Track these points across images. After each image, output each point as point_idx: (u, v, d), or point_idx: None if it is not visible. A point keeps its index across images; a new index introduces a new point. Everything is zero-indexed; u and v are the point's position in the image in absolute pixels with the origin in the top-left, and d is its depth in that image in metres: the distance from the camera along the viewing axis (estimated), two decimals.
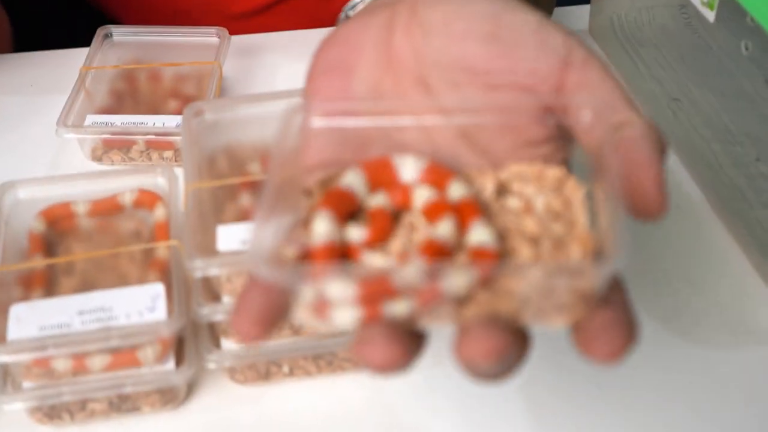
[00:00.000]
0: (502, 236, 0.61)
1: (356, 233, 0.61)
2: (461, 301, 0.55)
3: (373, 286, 0.54)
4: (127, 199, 0.99)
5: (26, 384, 0.84)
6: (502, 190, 0.66)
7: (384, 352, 0.54)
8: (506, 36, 0.67)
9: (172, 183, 0.98)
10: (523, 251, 0.60)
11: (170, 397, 0.88)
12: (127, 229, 0.98)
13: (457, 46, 0.68)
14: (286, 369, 0.83)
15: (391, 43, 0.70)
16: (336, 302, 0.55)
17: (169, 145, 1.11)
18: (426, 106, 0.67)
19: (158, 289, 0.85)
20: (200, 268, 0.83)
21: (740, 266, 1.00)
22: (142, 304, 0.84)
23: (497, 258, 0.58)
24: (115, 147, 1.13)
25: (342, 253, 0.60)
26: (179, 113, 1.11)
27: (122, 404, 0.88)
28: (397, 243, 0.62)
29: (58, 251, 0.96)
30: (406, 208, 0.64)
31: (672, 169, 1.11)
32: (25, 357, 0.82)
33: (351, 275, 0.54)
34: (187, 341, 0.87)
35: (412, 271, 0.53)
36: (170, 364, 0.87)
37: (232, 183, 0.83)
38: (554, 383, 0.89)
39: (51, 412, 0.88)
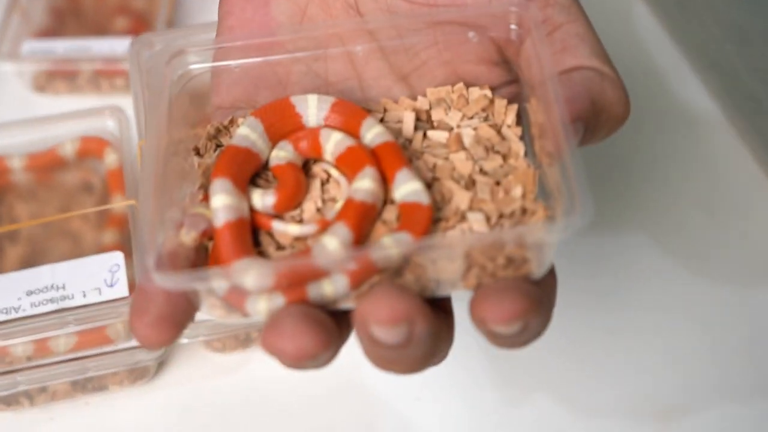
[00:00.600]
0: (431, 179, 0.60)
1: (262, 200, 0.59)
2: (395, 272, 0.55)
3: (295, 271, 0.53)
4: (69, 149, 0.96)
5: None
6: (422, 120, 0.64)
7: (295, 340, 0.52)
8: None
9: (123, 123, 0.95)
10: (458, 196, 0.59)
11: (140, 373, 0.86)
12: (73, 182, 0.97)
13: None
14: None
15: None
16: (253, 293, 0.55)
17: (121, 72, 1.07)
18: (353, 30, 0.64)
19: (117, 258, 0.81)
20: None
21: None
22: (99, 278, 0.80)
23: (430, 212, 0.57)
24: (59, 76, 1.07)
25: (249, 226, 0.58)
26: (129, 33, 1.08)
27: (87, 383, 0.86)
28: (311, 205, 0.60)
29: None
30: (316, 156, 0.63)
31: (683, 78, 1.04)
32: None
33: (265, 269, 0.53)
34: None
35: (336, 255, 0.54)
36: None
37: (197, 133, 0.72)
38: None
39: (8, 398, 0.85)
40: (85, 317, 0.79)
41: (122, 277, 0.81)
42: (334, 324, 0.54)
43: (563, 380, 0.83)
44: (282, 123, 0.62)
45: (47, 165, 0.95)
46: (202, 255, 0.59)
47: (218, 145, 0.63)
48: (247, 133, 0.60)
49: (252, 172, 0.60)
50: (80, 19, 1.12)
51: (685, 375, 0.83)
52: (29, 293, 0.81)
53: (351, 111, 0.62)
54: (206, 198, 0.59)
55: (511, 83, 0.65)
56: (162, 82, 0.60)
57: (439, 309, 0.57)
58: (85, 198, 0.94)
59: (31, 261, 0.89)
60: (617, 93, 0.61)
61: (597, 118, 0.60)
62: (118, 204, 0.89)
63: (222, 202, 0.57)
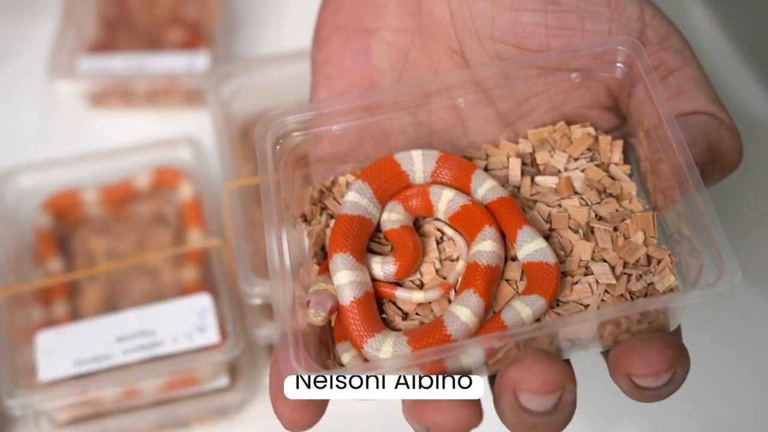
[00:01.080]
0: (548, 230, 0.60)
1: (382, 270, 0.59)
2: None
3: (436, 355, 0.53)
4: (143, 181, 0.96)
5: (63, 415, 0.83)
6: (527, 164, 0.64)
7: (452, 413, 0.52)
8: (570, 3, 0.61)
9: (197, 154, 0.94)
10: (579, 247, 0.58)
11: (222, 411, 0.86)
12: (147, 214, 0.96)
13: (507, 13, 0.62)
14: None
15: (421, 1, 0.65)
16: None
17: (177, 89, 1.05)
18: (459, 80, 0.63)
19: (204, 302, 0.82)
20: (259, 295, 0.72)
21: None
22: (188, 323, 0.82)
23: (558, 271, 0.56)
24: (115, 92, 1.06)
25: (374, 299, 0.58)
26: (184, 46, 1.07)
27: (171, 421, 0.86)
28: (429, 267, 0.60)
29: (72, 248, 0.94)
30: (427, 214, 0.62)
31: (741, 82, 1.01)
32: (63, 402, 0.81)
33: (408, 360, 0.53)
34: (242, 358, 0.85)
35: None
36: (223, 380, 0.85)
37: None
38: None
39: None
40: (179, 369, 0.80)
41: (212, 321, 0.82)
42: (475, 405, 0.54)
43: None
44: (389, 183, 0.61)
45: (121, 197, 0.95)
46: (327, 328, 0.59)
47: (323, 208, 0.63)
48: (357, 199, 0.60)
49: (368, 239, 0.60)
50: (132, 30, 1.11)
51: None
52: (120, 340, 0.82)
53: (459, 165, 0.61)
54: (323, 268, 0.59)
55: (620, 128, 0.64)
56: (267, 154, 0.59)
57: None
58: (160, 231, 0.94)
59: (111, 301, 0.89)
60: (733, 139, 0.60)
61: (713, 165, 0.59)
62: (200, 242, 0.88)
63: (346, 279, 0.57)
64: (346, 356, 0.56)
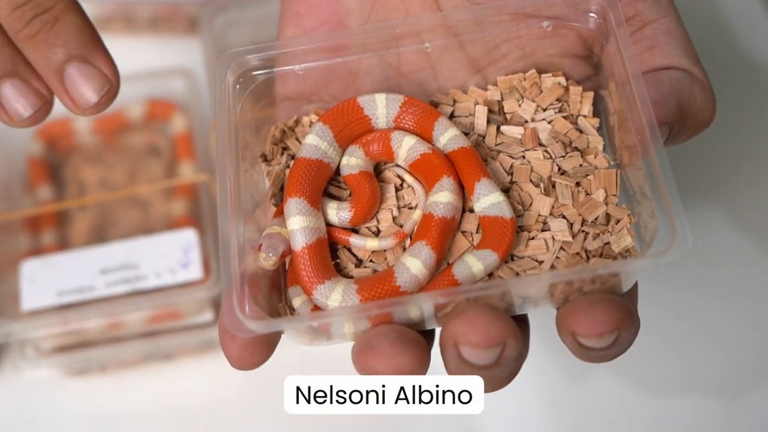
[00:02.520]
0: (508, 182, 0.61)
1: (338, 215, 0.61)
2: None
3: (383, 307, 0.55)
4: (137, 112, 0.99)
5: (48, 344, 0.87)
6: (494, 112, 0.65)
7: (394, 360, 0.54)
8: None
9: (191, 86, 0.97)
10: (538, 202, 0.60)
11: (207, 345, 0.90)
12: (140, 145, 0.99)
13: None
14: None
15: None
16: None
17: (181, 16, 1.06)
18: (431, 25, 0.64)
19: (190, 237, 0.86)
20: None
21: None
22: (172, 258, 0.84)
23: (514, 226, 0.58)
24: (117, 17, 1.07)
25: (327, 245, 0.60)
26: None
27: (156, 353, 0.90)
28: (387, 214, 0.62)
29: (64, 176, 0.98)
30: (388, 159, 0.64)
31: None
32: (45, 332, 0.86)
33: (356, 311, 0.56)
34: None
35: (421, 279, 0.57)
36: (208, 315, 0.89)
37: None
38: None
39: (80, 370, 0.90)
40: (160, 304, 0.84)
41: (196, 257, 0.85)
42: (425, 341, 0.56)
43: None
44: (351, 127, 0.63)
45: (114, 128, 0.97)
46: (279, 267, 0.61)
47: (284, 149, 0.65)
48: (317, 142, 0.62)
49: (325, 183, 0.62)
50: None
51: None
52: (103, 272, 0.85)
53: (422, 111, 0.62)
54: (279, 211, 0.61)
55: (592, 78, 0.65)
56: (225, 89, 0.62)
57: (519, 323, 0.58)
58: (153, 162, 0.96)
59: (100, 232, 0.93)
60: (705, 97, 0.61)
61: (683, 123, 0.60)
62: (190, 176, 0.91)
63: (299, 224, 0.59)
64: (297, 300, 0.59)
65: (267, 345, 0.56)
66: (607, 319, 0.54)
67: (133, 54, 1.04)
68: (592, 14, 0.62)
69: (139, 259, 0.85)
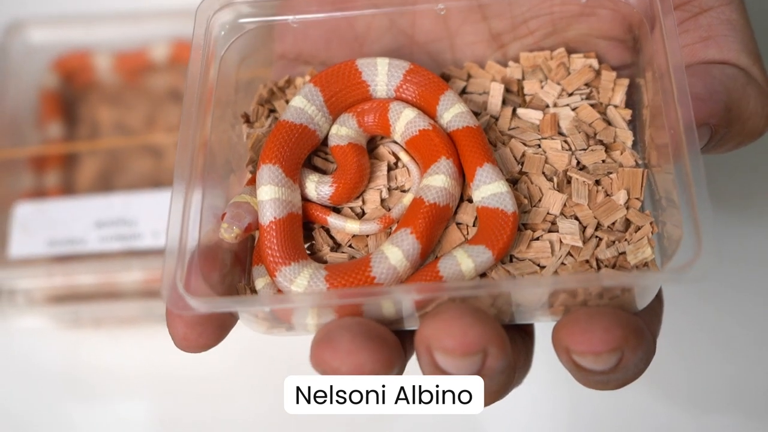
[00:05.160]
0: (518, 172, 0.58)
1: (317, 190, 0.58)
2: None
3: (352, 297, 0.52)
4: (160, 53, 0.98)
5: (39, 293, 0.88)
6: (512, 92, 0.61)
7: (351, 358, 0.50)
8: None
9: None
10: (549, 198, 0.56)
11: None
12: (161, 88, 0.98)
13: None
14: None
15: None
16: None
17: None
18: None
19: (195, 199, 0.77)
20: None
21: None
22: None
23: (515, 222, 0.54)
24: None
25: (300, 222, 0.57)
26: None
27: (148, 313, 0.89)
28: (374, 195, 0.58)
29: (78, 114, 0.97)
30: (383, 133, 0.60)
31: None
32: (32, 283, 0.86)
33: (318, 299, 0.53)
34: None
35: (400, 271, 0.53)
36: None
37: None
38: None
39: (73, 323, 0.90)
40: (152, 267, 0.82)
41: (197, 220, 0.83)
42: (396, 340, 0.52)
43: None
44: (345, 92, 0.59)
45: (136, 67, 0.96)
46: (248, 243, 0.58)
47: (271, 111, 0.62)
48: (304, 105, 0.58)
49: (307, 153, 0.58)
50: None
51: None
52: (99, 225, 0.84)
53: (428, 82, 0.59)
54: (254, 179, 0.57)
55: (630, 66, 0.61)
56: (207, 34, 0.59)
57: (517, 332, 0.55)
58: (172, 107, 0.95)
59: (108, 177, 0.92)
60: (761, 102, 0.56)
61: (729, 127, 0.55)
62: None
63: (269, 195, 0.55)
64: (260, 281, 0.56)
65: (217, 327, 0.53)
66: (607, 336, 0.49)
67: None
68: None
69: (138, 215, 0.84)
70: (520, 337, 0.55)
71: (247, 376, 0.86)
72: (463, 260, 0.53)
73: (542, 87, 0.60)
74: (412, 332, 0.55)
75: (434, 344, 0.49)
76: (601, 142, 0.58)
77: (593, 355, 0.49)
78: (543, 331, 0.57)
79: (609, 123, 0.59)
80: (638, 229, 0.55)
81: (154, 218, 0.83)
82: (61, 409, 0.87)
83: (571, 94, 0.60)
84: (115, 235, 0.83)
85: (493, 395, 0.52)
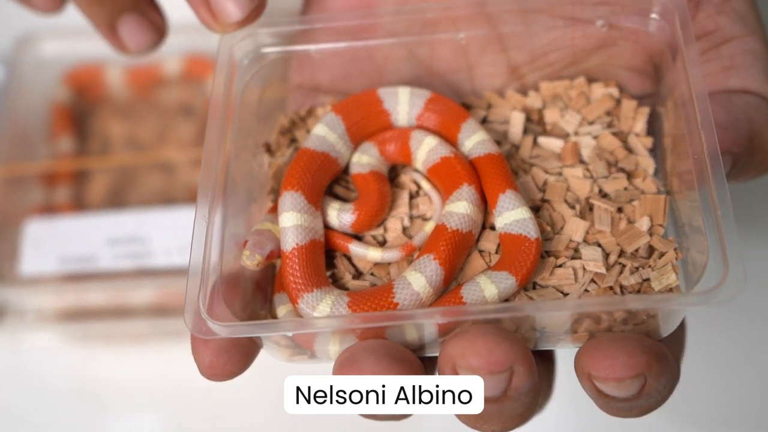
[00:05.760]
0: (539, 200, 0.58)
1: (339, 218, 0.58)
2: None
3: (374, 322, 0.53)
4: (173, 68, 0.98)
5: (49, 310, 0.88)
6: (533, 122, 0.62)
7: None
8: None
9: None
10: (571, 225, 0.57)
11: None
12: (172, 103, 0.99)
13: None
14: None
15: None
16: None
17: None
18: (470, 13, 0.61)
19: None
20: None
21: None
22: (186, 237, 0.77)
23: (538, 249, 0.55)
24: None
25: (322, 249, 0.58)
26: None
27: (161, 329, 0.90)
28: (396, 223, 0.59)
29: (89, 128, 0.98)
30: (405, 162, 0.61)
31: None
32: (40, 301, 0.87)
33: (340, 323, 0.54)
34: None
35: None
36: None
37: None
38: None
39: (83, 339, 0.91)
40: (164, 285, 0.84)
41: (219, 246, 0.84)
42: (420, 363, 0.53)
43: None
44: (367, 120, 0.60)
45: (147, 81, 0.97)
46: (269, 271, 0.59)
47: (292, 140, 0.63)
48: (326, 133, 0.59)
49: (329, 180, 0.59)
50: None
51: None
52: (111, 242, 0.85)
53: (449, 110, 0.60)
54: (275, 207, 0.58)
55: (651, 96, 0.62)
56: (230, 63, 0.60)
57: (539, 358, 0.54)
58: (184, 123, 0.95)
59: (119, 193, 0.93)
60: None
61: (751, 156, 0.56)
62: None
63: (292, 222, 0.56)
64: (282, 309, 0.56)
65: (243, 355, 0.54)
66: (630, 361, 0.49)
67: (175, 1, 1.04)
68: (654, 15, 0.58)
69: (150, 232, 0.85)
70: (542, 362, 0.55)
71: (253, 383, 0.87)
72: (486, 286, 0.54)
73: (563, 116, 0.61)
74: (433, 359, 0.55)
75: (460, 363, 0.49)
76: (622, 170, 0.59)
77: (616, 381, 0.49)
78: (563, 358, 0.59)
79: (630, 151, 0.60)
80: (662, 255, 0.55)
81: (167, 236, 0.84)
82: (71, 423, 0.88)
83: (591, 123, 0.61)
84: (127, 252, 0.84)
85: (517, 419, 0.52)
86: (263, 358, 0.62)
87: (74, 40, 0.97)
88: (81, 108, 0.97)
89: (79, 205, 0.92)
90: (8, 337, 0.89)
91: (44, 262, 0.85)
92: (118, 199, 0.92)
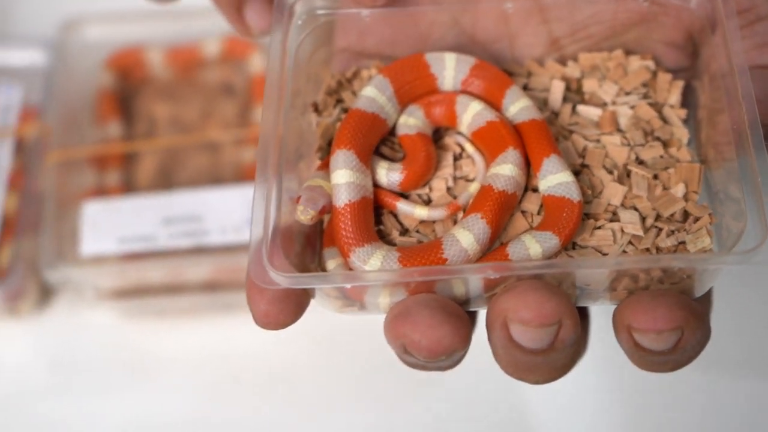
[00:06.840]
0: (579, 165, 0.62)
1: (387, 177, 0.62)
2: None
3: (423, 276, 0.56)
4: (213, 49, 1.02)
5: (107, 287, 0.92)
6: (572, 91, 0.65)
7: (433, 332, 0.53)
8: None
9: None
10: (610, 190, 0.60)
11: None
12: (214, 83, 1.03)
13: None
14: None
15: None
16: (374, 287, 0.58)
17: None
18: None
19: None
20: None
21: None
22: (239, 214, 0.88)
23: (580, 210, 0.58)
24: None
25: (372, 206, 0.61)
26: None
27: (214, 303, 0.94)
28: (441, 183, 0.63)
29: (134, 110, 1.02)
30: (450, 125, 0.65)
31: None
32: (101, 279, 0.91)
33: (392, 276, 0.57)
34: None
35: (471, 254, 0.57)
36: None
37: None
38: None
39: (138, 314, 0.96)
40: (220, 262, 0.88)
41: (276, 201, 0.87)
42: (468, 317, 0.56)
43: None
44: (414, 84, 0.63)
45: (188, 63, 1.00)
46: (318, 226, 0.62)
47: (338, 101, 0.66)
48: (375, 95, 0.62)
49: (378, 140, 0.63)
50: None
51: None
52: (167, 222, 0.89)
53: (494, 76, 0.63)
54: (324, 164, 0.62)
55: (686, 70, 0.65)
56: (283, 25, 0.63)
57: (580, 314, 0.57)
58: (226, 102, 0.99)
59: (167, 174, 0.97)
60: None
61: None
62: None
63: (345, 179, 0.59)
64: (332, 263, 0.60)
65: (296, 305, 0.56)
66: (670, 314, 0.52)
67: None
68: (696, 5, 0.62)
69: (205, 211, 0.89)
70: (581, 318, 0.57)
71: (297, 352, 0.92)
72: (531, 245, 0.57)
73: (600, 86, 0.64)
74: (472, 314, 0.59)
75: (511, 316, 0.53)
76: (658, 139, 0.62)
77: (655, 333, 0.53)
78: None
79: (665, 121, 0.63)
80: (696, 219, 0.59)
81: (220, 214, 0.88)
82: (122, 394, 0.92)
83: (628, 93, 0.64)
84: (183, 231, 0.88)
85: (560, 369, 0.55)
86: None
87: (117, 24, 1.01)
88: (125, 91, 1.01)
89: (128, 187, 0.96)
90: (67, 313, 0.94)
91: (103, 242, 0.89)
92: (166, 180, 0.96)
